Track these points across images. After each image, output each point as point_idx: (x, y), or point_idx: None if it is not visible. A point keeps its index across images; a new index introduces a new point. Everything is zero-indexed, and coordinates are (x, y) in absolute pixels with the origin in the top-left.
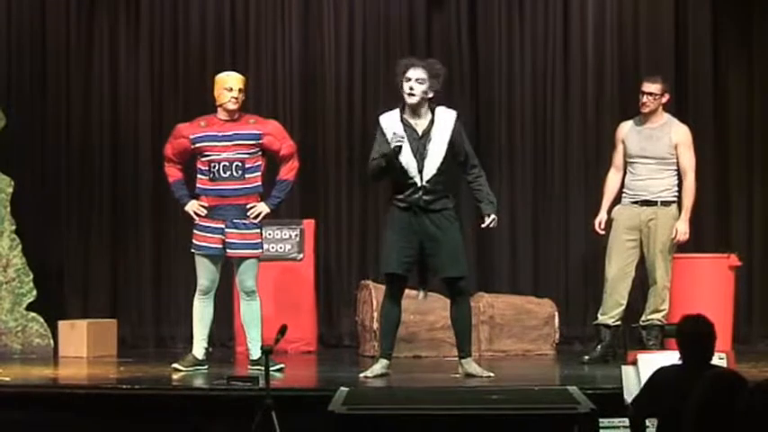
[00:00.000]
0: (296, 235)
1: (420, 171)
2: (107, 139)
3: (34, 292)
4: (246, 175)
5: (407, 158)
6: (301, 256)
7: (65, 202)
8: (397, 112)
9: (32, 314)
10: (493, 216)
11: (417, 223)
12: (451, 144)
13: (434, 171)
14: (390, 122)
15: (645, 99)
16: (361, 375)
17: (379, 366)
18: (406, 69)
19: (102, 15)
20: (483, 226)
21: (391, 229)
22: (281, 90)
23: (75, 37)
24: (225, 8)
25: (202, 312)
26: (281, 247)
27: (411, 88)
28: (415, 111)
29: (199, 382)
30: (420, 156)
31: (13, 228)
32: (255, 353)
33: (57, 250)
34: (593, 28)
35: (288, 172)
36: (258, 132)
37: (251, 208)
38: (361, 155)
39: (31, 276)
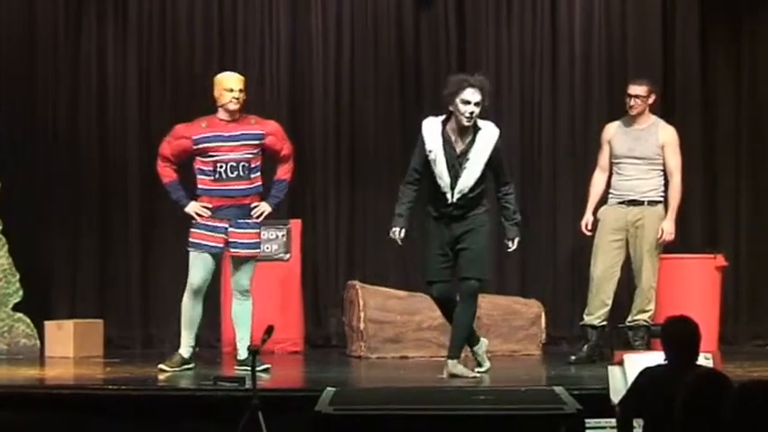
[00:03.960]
0: (283, 235)
1: (452, 188)
2: (95, 139)
3: (21, 293)
4: (251, 175)
5: (442, 173)
6: (288, 255)
7: (52, 202)
8: (439, 122)
9: (19, 314)
10: (517, 240)
11: (447, 229)
12: (490, 161)
13: (466, 190)
14: (431, 133)
15: (632, 102)
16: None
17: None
18: (461, 89)
19: (90, 14)
20: (509, 251)
21: (429, 239)
22: (269, 88)
23: (63, 35)
24: (213, 4)
25: (192, 312)
26: (267, 247)
27: (471, 113)
28: (461, 128)
29: (185, 383)
30: (454, 173)
31: (0, 228)
32: (243, 353)
33: (43, 250)
34: (580, 28)
35: (287, 172)
36: (261, 132)
37: (254, 207)
38: (349, 154)
39: (18, 276)
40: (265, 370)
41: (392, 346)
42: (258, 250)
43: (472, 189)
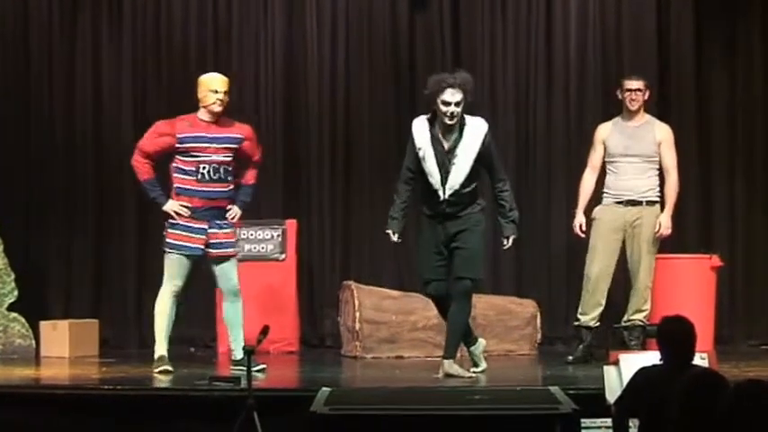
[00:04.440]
0: (278, 235)
1: (443, 185)
2: (90, 138)
3: (16, 293)
4: (229, 178)
5: (432, 170)
6: (283, 256)
7: (47, 203)
8: (426, 120)
9: (14, 314)
10: (512, 238)
11: (442, 227)
12: (479, 157)
13: (457, 186)
14: (420, 132)
15: (633, 96)
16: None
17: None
18: (440, 91)
19: (85, 13)
20: (504, 248)
21: (423, 238)
22: (264, 89)
23: (57, 35)
24: (208, 4)
25: (170, 313)
26: (263, 248)
27: (452, 113)
28: (446, 126)
29: (181, 383)
30: (444, 170)
31: None
32: (239, 353)
33: (39, 250)
34: (575, 28)
35: (255, 177)
36: (241, 137)
37: (228, 210)
38: (344, 154)
39: (13, 276)
40: (261, 370)
41: (387, 346)
42: (237, 249)
43: (464, 185)
